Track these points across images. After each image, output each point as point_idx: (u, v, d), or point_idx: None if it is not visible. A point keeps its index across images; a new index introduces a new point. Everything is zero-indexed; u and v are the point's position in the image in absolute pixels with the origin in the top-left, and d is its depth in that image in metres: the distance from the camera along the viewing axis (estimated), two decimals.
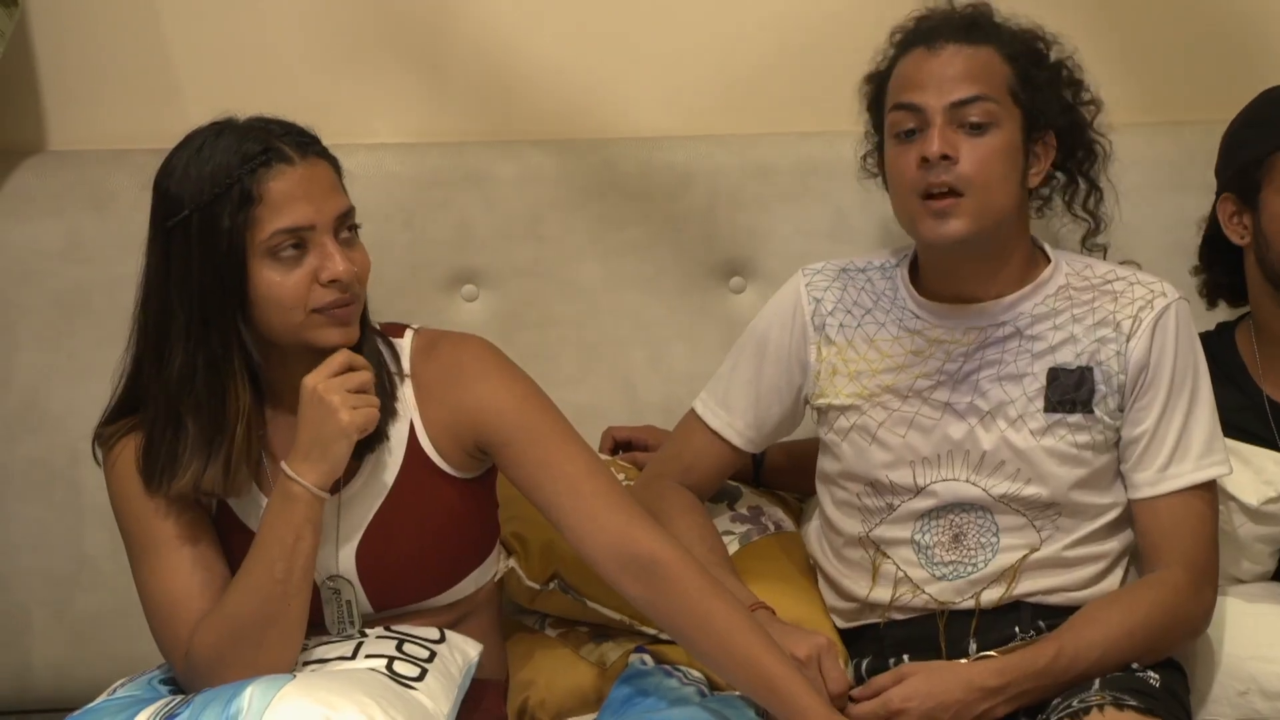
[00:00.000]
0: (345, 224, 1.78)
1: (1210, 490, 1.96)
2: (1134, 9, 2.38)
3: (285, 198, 1.73)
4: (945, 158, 1.90)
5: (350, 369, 1.76)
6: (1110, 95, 2.06)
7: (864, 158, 2.10)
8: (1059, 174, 2.04)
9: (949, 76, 1.92)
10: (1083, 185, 2.06)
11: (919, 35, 1.98)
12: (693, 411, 2.09)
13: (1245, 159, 2.10)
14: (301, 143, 1.76)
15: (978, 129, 1.91)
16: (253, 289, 1.74)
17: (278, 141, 1.74)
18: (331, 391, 1.74)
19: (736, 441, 2.08)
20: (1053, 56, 2.01)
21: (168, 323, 1.75)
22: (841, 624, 2.05)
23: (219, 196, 1.71)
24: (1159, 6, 2.40)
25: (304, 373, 1.75)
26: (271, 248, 1.73)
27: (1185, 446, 1.94)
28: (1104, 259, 2.08)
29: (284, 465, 1.74)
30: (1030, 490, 1.93)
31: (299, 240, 1.74)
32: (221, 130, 1.76)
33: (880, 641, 2.00)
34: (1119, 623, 1.90)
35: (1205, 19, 2.39)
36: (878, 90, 2.03)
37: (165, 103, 2.34)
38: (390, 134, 2.35)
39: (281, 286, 1.74)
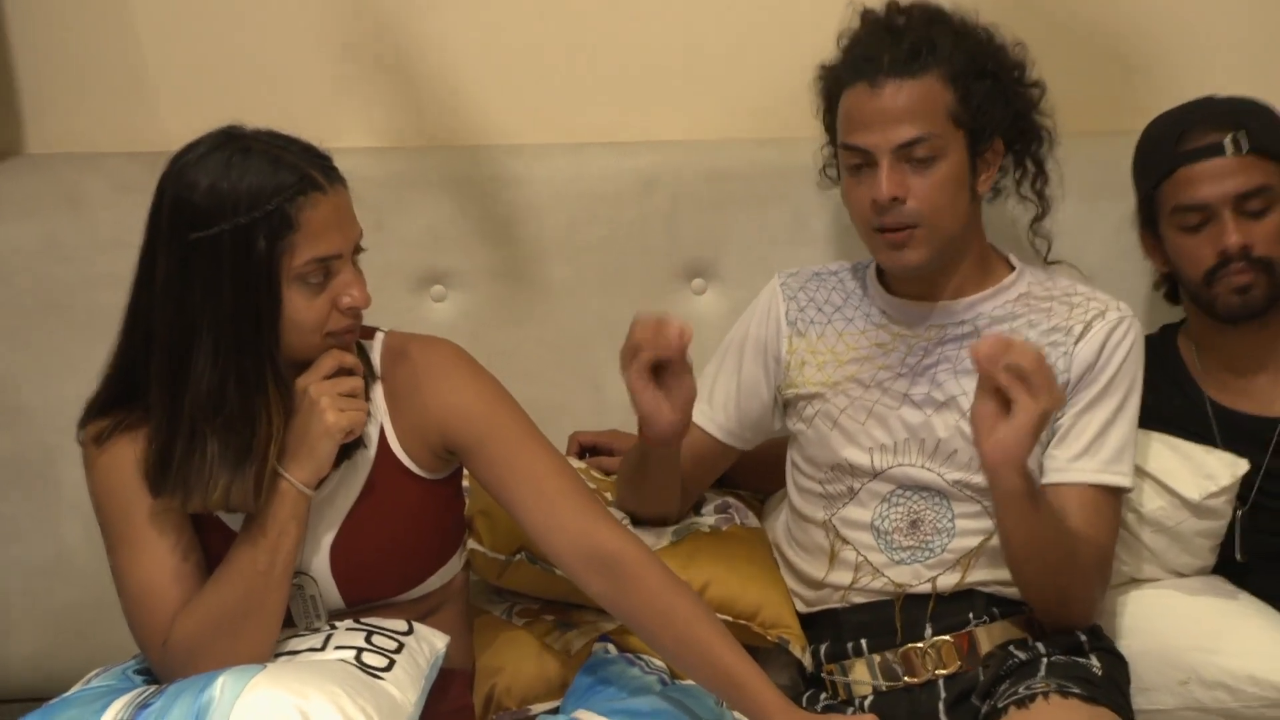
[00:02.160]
0: (359, 248, 1.81)
1: (1114, 499, 1.98)
2: (1075, 23, 2.38)
3: (321, 226, 1.73)
4: (895, 199, 1.94)
5: (341, 369, 1.78)
6: (1055, 103, 2.09)
7: (823, 169, 2.14)
8: (1007, 156, 2.06)
9: (892, 118, 1.94)
10: (1030, 167, 2.09)
11: (862, 67, 1.98)
12: None
13: (1140, 197, 2.15)
14: (326, 168, 1.76)
15: (924, 163, 1.95)
16: (280, 312, 1.74)
17: (309, 168, 1.74)
18: (322, 393, 1.76)
19: (719, 435, 2.12)
20: (992, 47, 2.01)
21: (190, 338, 1.72)
22: (803, 609, 2.08)
23: (256, 220, 1.70)
24: (1101, 20, 2.41)
25: None
26: (302, 274, 1.74)
27: (1098, 446, 1.96)
28: (1048, 250, 2.13)
29: (273, 462, 1.76)
30: (981, 478, 1.95)
31: (327, 268, 1.76)
32: (248, 147, 1.73)
33: (839, 626, 2.04)
34: (1058, 522, 1.90)
35: (1139, 33, 2.40)
36: (829, 105, 2.05)
37: (139, 107, 2.35)
38: (360, 138, 2.35)
39: (307, 311, 1.75)
